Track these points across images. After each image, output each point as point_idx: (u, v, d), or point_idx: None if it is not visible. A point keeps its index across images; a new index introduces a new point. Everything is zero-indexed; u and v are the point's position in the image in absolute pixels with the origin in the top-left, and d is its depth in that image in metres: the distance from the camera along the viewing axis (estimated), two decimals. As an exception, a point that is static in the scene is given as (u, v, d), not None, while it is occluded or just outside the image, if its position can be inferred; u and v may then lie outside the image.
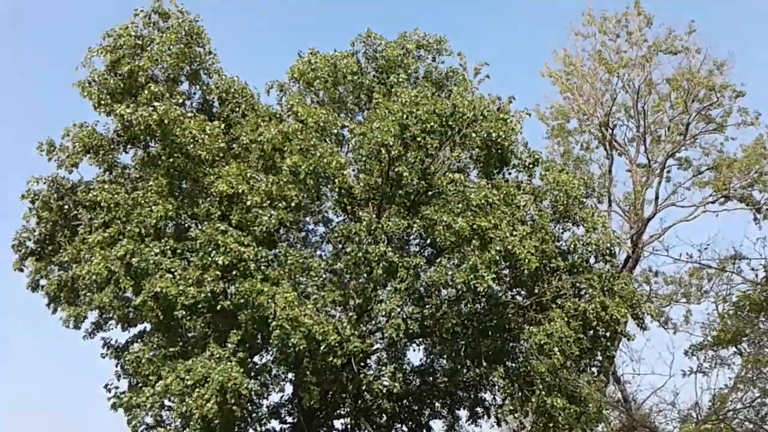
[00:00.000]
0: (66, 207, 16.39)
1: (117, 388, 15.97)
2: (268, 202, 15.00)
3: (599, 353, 16.54)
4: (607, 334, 16.23)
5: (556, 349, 14.45)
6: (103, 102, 15.64)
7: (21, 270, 16.85)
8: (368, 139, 14.78)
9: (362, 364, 16.00)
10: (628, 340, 16.90)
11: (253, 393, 14.44)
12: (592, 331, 15.76)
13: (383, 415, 18.61)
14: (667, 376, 15.01)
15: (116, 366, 16.52)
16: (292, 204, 15.27)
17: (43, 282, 16.71)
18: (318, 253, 17.00)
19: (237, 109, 16.78)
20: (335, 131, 16.18)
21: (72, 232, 16.25)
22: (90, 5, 46.10)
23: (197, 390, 12.86)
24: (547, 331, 14.63)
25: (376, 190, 16.05)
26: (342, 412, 18.78)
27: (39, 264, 16.63)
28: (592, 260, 16.53)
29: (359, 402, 17.72)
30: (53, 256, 16.47)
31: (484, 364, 16.35)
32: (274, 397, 17.03)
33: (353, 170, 16.46)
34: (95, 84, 15.77)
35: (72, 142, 15.94)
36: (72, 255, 15.68)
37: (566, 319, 14.95)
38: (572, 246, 16.05)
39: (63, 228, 16.48)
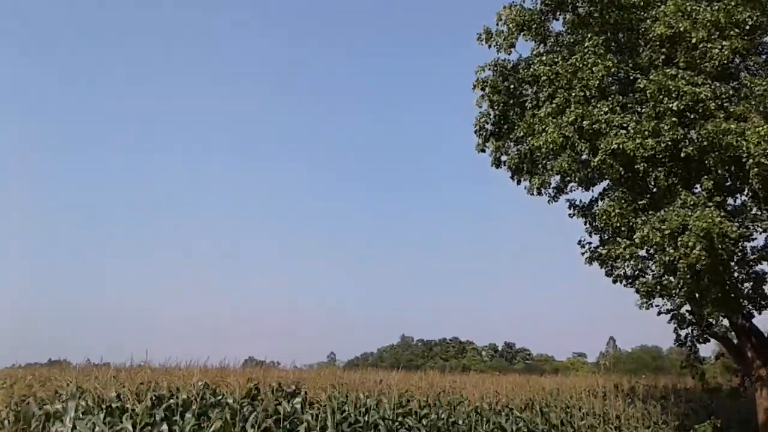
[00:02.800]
0: (512, 86, 17.59)
1: (590, 243, 17.10)
2: (716, 33, 13.67)
3: None
4: None
5: None
6: (525, -22, 16.10)
7: (483, 151, 18.91)
8: None
9: None
10: None
11: (738, 236, 13.75)
12: None
13: None
14: None
15: (585, 224, 17.59)
16: (746, 28, 13.59)
17: (503, 158, 18.53)
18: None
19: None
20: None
21: (521, 108, 17.42)
22: None
23: (679, 238, 12.87)
24: None
25: None
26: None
27: (498, 143, 18.39)
28: None
29: None
30: (509, 134, 17.98)
31: None
32: (760, 239, 15.94)
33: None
34: (514, -36, 16.26)
35: (506, 24, 16.83)
36: (525, 129, 16.87)
37: None
38: None
39: (513, 107, 17.77)
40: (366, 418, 11.49)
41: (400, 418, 12.44)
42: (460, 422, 12.99)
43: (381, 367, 21.80)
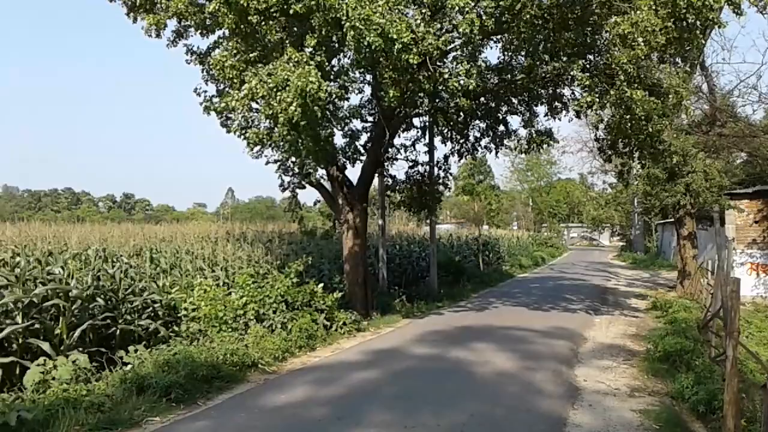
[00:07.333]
0: None
1: (206, 92, 16.92)
2: None
3: (687, 43, 15.56)
4: (698, 23, 15.10)
5: (639, 39, 13.73)
6: None
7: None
8: None
9: (438, 63, 15.93)
10: (719, 27, 15.78)
11: (333, 95, 14.82)
12: (683, 22, 14.69)
13: (460, 112, 19.07)
14: (759, 64, 14.32)
15: (202, 71, 17.25)
16: None
17: (118, -8, 16.75)
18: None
19: None
20: None
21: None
22: None
23: (279, 93, 13.30)
24: (632, 20, 13.80)
25: None
26: (420, 111, 19.40)
27: (111, -27, 16.52)
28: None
29: (436, 100, 18.05)
30: (124, -36, 16.23)
31: (564, 58, 15.99)
32: (355, 99, 17.63)
33: None
34: None
35: None
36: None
37: (654, 7, 13.95)
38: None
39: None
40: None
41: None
42: (57, 271, 12.17)
43: (-25, 220, 19.20)
